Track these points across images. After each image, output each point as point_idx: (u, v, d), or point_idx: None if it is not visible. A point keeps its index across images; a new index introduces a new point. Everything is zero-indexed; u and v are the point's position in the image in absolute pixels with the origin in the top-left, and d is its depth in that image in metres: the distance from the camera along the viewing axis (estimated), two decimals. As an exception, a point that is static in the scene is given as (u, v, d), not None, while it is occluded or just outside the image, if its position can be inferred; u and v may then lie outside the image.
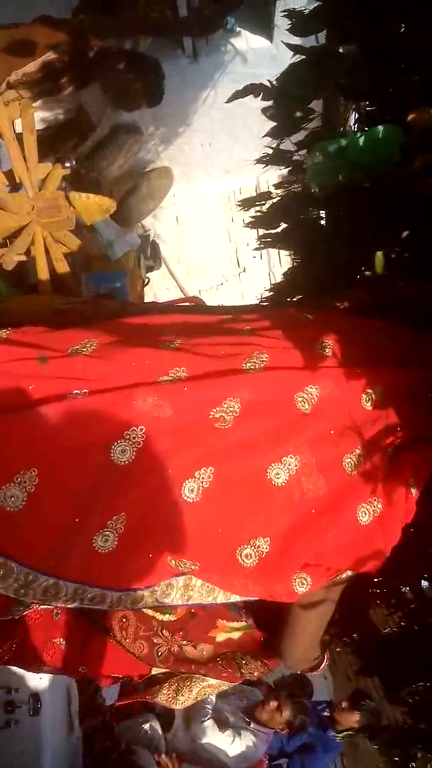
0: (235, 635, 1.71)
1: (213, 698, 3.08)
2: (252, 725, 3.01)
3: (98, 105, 3.11)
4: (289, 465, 1.30)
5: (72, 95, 2.92)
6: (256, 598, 1.45)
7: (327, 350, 1.37)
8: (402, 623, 2.05)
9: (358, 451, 1.36)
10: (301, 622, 1.53)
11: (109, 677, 1.87)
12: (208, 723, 2.96)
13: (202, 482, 1.25)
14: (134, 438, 1.22)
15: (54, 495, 1.22)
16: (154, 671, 1.82)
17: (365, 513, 1.37)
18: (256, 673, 1.70)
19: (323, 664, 1.63)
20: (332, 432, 1.35)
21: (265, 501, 1.30)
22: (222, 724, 3.00)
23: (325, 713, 3.27)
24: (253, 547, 1.31)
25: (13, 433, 1.21)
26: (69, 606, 1.28)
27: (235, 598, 1.45)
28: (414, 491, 1.40)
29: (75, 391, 1.23)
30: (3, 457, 1.21)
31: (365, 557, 1.39)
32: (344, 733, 3.08)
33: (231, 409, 1.26)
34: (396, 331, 1.53)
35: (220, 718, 3.04)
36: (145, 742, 2.62)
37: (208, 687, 1.87)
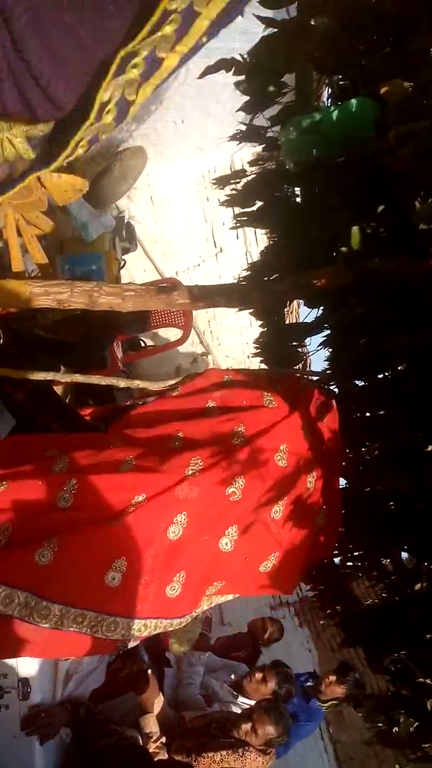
0: None
1: (201, 671, 3.12)
2: (239, 699, 3.06)
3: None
4: (280, 508, 1.86)
5: None
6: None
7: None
8: (383, 594, 2.09)
9: (312, 476, 1.90)
10: None
11: None
12: (197, 698, 3.01)
13: (232, 537, 1.78)
14: (181, 521, 1.70)
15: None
16: None
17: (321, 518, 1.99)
18: None
19: None
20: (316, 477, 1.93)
21: (272, 532, 1.84)
22: (210, 699, 3.05)
23: (309, 684, 3.33)
24: (269, 561, 1.87)
25: (105, 540, 1.61)
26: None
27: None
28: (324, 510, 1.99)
29: (137, 498, 1.65)
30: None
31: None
32: (329, 703, 3.14)
33: (239, 485, 1.76)
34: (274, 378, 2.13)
35: (207, 692, 3.09)
36: (128, 720, 2.65)
37: None
